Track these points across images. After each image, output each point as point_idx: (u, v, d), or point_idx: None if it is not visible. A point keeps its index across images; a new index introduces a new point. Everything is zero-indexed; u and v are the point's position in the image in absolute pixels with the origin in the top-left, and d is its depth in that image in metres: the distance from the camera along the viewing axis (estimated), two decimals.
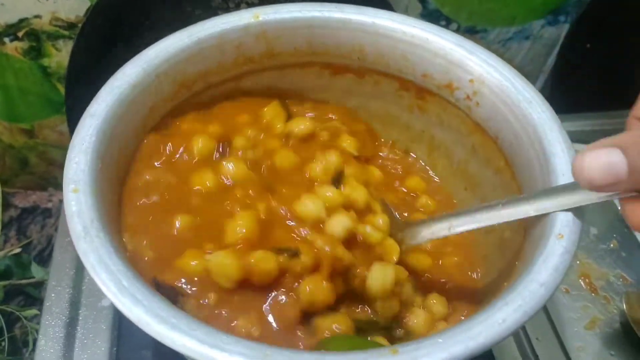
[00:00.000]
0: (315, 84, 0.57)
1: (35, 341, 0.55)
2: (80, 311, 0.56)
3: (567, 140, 0.45)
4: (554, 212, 0.40)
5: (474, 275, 0.51)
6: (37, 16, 0.72)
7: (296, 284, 0.42)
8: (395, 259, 0.46)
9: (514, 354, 0.57)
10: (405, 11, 0.81)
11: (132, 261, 0.39)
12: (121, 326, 0.55)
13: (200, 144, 0.49)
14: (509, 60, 0.70)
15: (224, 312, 0.41)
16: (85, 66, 0.70)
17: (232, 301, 0.41)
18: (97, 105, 0.43)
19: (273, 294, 0.42)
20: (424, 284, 0.48)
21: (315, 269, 0.42)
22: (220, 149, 0.50)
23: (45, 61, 0.77)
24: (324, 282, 0.42)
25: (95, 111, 0.43)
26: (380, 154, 0.59)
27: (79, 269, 0.58)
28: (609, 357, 0.59)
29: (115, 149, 0.43)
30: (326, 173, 0.49)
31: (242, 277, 0.41)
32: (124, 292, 0.34)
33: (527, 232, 0.44)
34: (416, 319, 0.46)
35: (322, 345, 0.41)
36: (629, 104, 0.78)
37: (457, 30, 0.84)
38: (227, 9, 0.68)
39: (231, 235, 0.42)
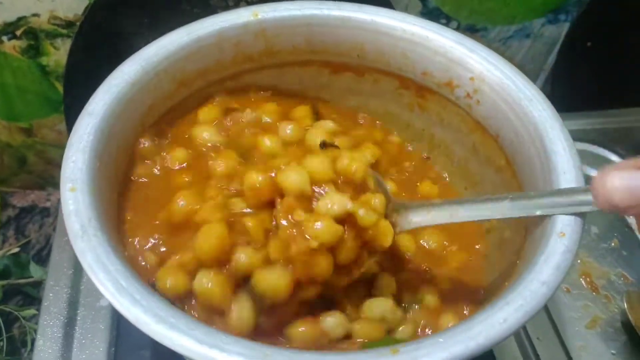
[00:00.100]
0: (315, 82, 0.57)
1: (33, 341, 0.55)
2: (78, 311, 0.56)
3: (569, 138, 0.45)
4: (560, 214, 0.40)
5: (477, 275, 0.50)
6: (35, 15, 0.72)
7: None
8: (388, 242, 0.42)
9: (515, 354, 0.57)
10: (406, 9, 0.81)
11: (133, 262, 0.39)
12: (119, 326, 0.55)
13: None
14: (510, 59, 0.70)
15: None
16: (83, 65, 0.70)
17: None
18: (95, 103, 0.43)
19: None
20: (427, 282, 0.48)
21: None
22: None
23: (44, 60, 0.77)
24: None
25: (93, 110, 0.43)
26: None
27: (77, 268, 0.58)
28: (610, 357, 0.59)
29: (114, 147, 0.43)
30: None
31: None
32: (122, 292, 0.34)
33: (528, 230, 0.44)
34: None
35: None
36: (629, 103, 0.79)
37: (457, 29, 0.83)
38: (226, 7, 0.68)
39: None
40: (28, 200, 0.95)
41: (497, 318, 0.35)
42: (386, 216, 0.44)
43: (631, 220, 0.70)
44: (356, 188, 0.43)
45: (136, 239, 0.43)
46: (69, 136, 0.41)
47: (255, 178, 0.41)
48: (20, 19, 0.72)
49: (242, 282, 0.40)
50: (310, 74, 0.57)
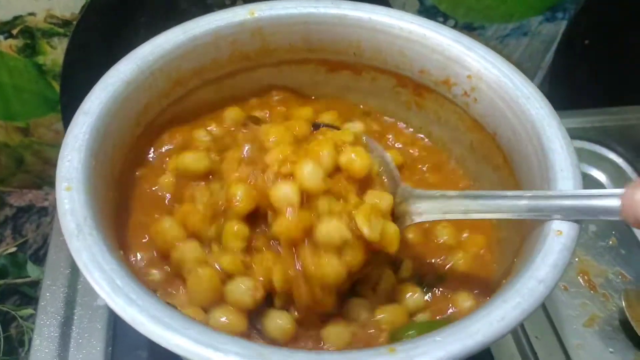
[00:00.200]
0: (312, 80, 0.57)
1: (31, 341, 0.55)
2: (75, 311, 0.55)
3: (566, 136, 0.45)
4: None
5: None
6: (31, 14, 0.72)
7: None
8: (394, 249, 0.41)
9: (513, 352, 0.57)
10: (403, 7, 0.81)
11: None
12: (116, 326, 0.54)
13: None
14: (507, 57, 0.69)
15: None
16: (80, 64, 0.70)
17: None
18: (91, 102, 0.43)
19: None
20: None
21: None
22: None
23: (40, 59, 0.76)
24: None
25: (88, 108, 0.43)
26: None
27: (74, 268, 0.58)
28: (607, 355, 0.59)
29: (109, 146, 0.43)
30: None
31: None
32: (117, 292, 0.34)
33: (526, 228, 0.44)
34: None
35: (394, 336, 0.41)
36: (627, 101, 0.79)
37: (454, 27, 0.83)
38: (222, 6, 0.68)
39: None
40: (25, 200, 0.95)
41: (494, 316, 0.35)
42: (395, 206, 0.43)
43: None
44: (361, 185, 0.43)
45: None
46: None
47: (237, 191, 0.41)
48: (16, 17, 0.72)
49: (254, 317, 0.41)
50: (307, 72, 0.56)
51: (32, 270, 0.87)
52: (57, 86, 0.78)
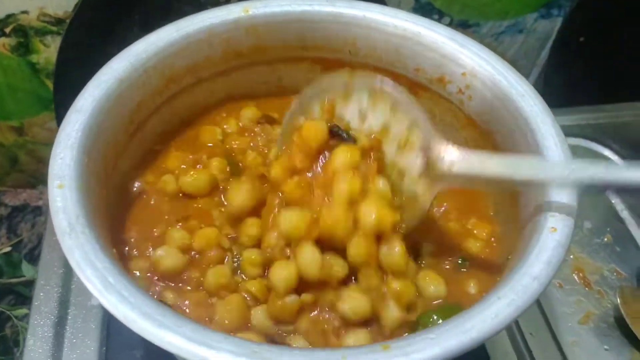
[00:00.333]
0: (307, 78, 0.56)
1: (25, 340, 0.54)
2: (69, 310, 0.55)
3: (560, 133, 0.45)
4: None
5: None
6: (24, 12, 0.71)
7: None
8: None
9: (508, 349, 0.57)
10: (398, 5, 0.81)
11: None
12: (110, 325, 0.54)
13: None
14: (502, 54, 0.70)
15: None
16: (73, 62, 0.70)
17: None
18: (84, 100, 0.43)
19: None
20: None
21: None
22: None
23: (34, 57, 0.76)
24: None
25: (81, 106, 0.42)
26: None
27: (68, 267, 0.57)
28: (602, 352, 0.59)
29: (102, 144, 0.43)
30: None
31: None
32: (109, 289, 0.33)
33: (520, 225, 0.44)
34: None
35: (421, 321, 0.41)
36: (622, 98, 0.79)
37: (449, 24, 0.83)
38: (216, 4, 0.68)
39: None
40: (20, 199, 0.95)
41: (488, 313, 0.35)
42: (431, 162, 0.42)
43: (624, 215, 0.70)
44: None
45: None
46: None
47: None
48: (9, 16, 0.71)
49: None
50: (301, 70, 0.56)
51: (27, 269, 0.86)
52: (50, 85, 0.78)
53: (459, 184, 0.44)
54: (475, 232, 0.49)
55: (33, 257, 0.89)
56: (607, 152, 0.74)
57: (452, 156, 0.42)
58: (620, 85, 0.80)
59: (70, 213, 0.36)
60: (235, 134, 0.52)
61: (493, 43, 0.89)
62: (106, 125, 0.43)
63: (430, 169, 0.42)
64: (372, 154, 0.43)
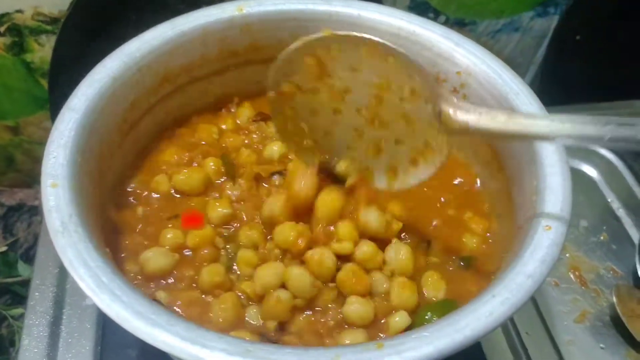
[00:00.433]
0: None
1: (21, 340, 0.54)
2: (64, 310, 0.55)
3: None
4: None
5: None
6: (18, 11, 0.71)
7: None
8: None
9: (503, 348, 0.57)
10: (394, 4, 0.80)
11: None
12: (105, 325, 0.54)
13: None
14: (499, 53, 0.69)
15: None
16: (68, 61, 0.69)
17: None
18: (77, 98, 0.43)
19: None
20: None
21: None
22: None
23: (28, 57, 0.76)
24: None
25: (74, 105, 0.42)
26: None
27: (63, 267, 0.56)
28: (598, 351, 0.59)
29: (96, 143, 0.43)
30: None
31: None
32: (102, 288, 0.33)
33: (515, 224, 0.43)
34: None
35: (416, 321, 0.41)
36: (618, 96, 0.79)
37: (445, 23, 0.83)
38: (211, 2, 0.68)
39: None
40: (16, 199, 0.94)
41: (483, 311, 0.35)
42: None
43: (620, 213, 0.70)
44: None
45: None
46: None
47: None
48: (3, 15, 0.71)
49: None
50: None
51: (22, 269, 0.86)
52: (45, 84, 0.78)
53: (473, 137, 0.47)
54: (472, 226, 0.49)
55: (29, 257, 0.88)
56: (602, 151, 0.74)
57: (466, 114, 0.39)
58: (616, 84, 0.80)
59: (63, 212, 0.36)
60: (230, 132, 0.52)
61: (489, 42, 0.89)
62: (100, 124, 0.43)
63: (443, 122, 0.40)
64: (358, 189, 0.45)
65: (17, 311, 0.82)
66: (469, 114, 0.39)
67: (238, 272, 0.43)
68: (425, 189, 0.49)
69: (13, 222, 0.93)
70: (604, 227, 0.69)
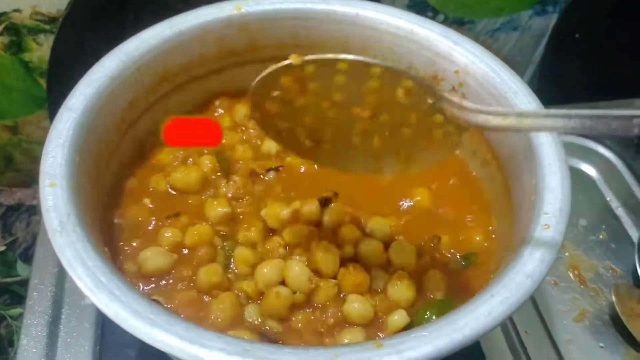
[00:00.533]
0: None
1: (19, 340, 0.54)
2: (63, 310, 0.55)
3: None
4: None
5: None
6: (16, 10, 0.71)
7: None
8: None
9: (502, 347, 0.57)
10: (392, 3, 0.80)
11: None
12: (104, 325, 0.54)
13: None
14: (497, 51, 0.69)
15: None
16: (67, 61, 0.69)
17: None
18: (75, 98, 0.43)
19: None
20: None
21: None
22: None
23: (27, 56, 0.76)
24: None
25: (72, 104, 0.42)
26: None
27: (62, 267, 0.56)
28: (598, 350, 0.58)
29: (94, 142, 0.43)
30: None
31: None
32: (100, 288, 0.33)
33: (514, 223, 0.43)
34: None
35: (415, 320, 0.41)
36: (617, 95, 0.79)
37: (444, 22, 0.83)
38: (210, 1, 0.67)
39: None
40: (15, 199, 0.94)
41: (482, 310, 0.35)
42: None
43: (619, 212, 0.70)
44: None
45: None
46: None
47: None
48: (1, 14, 0.71)
49: None
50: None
51: (21, 269, 0.86)
52: (44, 83, 0.77)
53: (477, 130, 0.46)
54: (472, 226, 0.49)
55: (28, 257, 0.88)
56: (601, 149, 0.74)
57: (468, 113, 0.38)
58: (615, 82, 0.80)
59: (61, 211, 0.36)
60: (227, 130, 0.52)
61: (488, 40, 0.88)
62: (97, 123, 0.43)
63: (446, 121, 0.39)
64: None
65: (15, 311, 0.82)
66: (471, 112, 0.38)
67: (236, 271, 0.43)
68: (424, 195, 0.50)
69: (12, 221, 0.93)
70: (603, 226, 0.69)
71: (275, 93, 0.38)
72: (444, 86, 0.51)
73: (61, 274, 0.57)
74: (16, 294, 0.85)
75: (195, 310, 0.41)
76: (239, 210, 0.47)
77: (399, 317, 0.41)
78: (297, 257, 0.43)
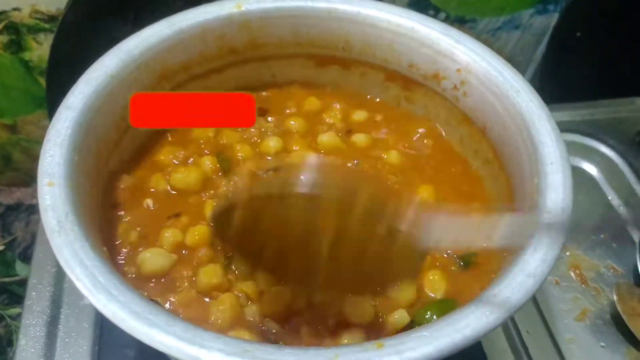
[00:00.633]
0: (301, 75, 0.56)
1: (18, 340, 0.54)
2: (61, 310, 0.55)
3: (556, 129, 0.44)
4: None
5: None
6: (16, 9, 0.71)
7: None
8: None
9: (504, 347, 0.56)
10: (393, 1, 0.80)
11: None
12: (103, 325, 0.54)
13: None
14: (499, 50, 0.69)
15: None
16: (66, 59, 0.69)
17: None
18: (74, 97, 0.42)
19: None
20: None
21: None
22: None
23: (26, 55, 0.75)
24: None
25: (71, 103, 0.42)
26: None
27: (61, 266, 0.57)
28: (599, 349, 0.58)
29: (93, 141, 0.42)
30: None
31: None
32: (98, 288, 0.33)
33: None
34: None
35: (416, 319, 0.41)
36: (618, 93, 0.79)
37: (445, 20, 0.83)
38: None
39: None
40: (14, 198, 0.94)
41: (483, 310, 0.34)
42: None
43: (620, 211, 0.70)
44: None
45: None
46: None
47: None
48: (0, 13, 0.71)
49: None
50: (295, 67, 0.56)
51: (20, 269, 0.86)
52: (43, 83, 0.77)
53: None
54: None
55: (27, 256, 0.88)
56: (603, 148, 0.74)
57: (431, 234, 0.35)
58: (616, 81, 0.80)
59: (59, 211, 0.36)
60: (227, 129, 0.52)
61: (489, 39, 0.88)
62: (97, 122, 0.43)
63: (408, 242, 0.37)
64: None
65: (14, 311, 0.82)
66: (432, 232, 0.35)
67: (236, 272, 0.43)
68: (426, 193, 0.49)
69: (11, 221, 0.93)
70: (605, 226, 0.69)
71: (235, 222, 0.37)
72: (446, 84, 0.51)
73: (60, 274, 0.57)
74: (15, 294, 0.85)
75: (195, 311, 0.40)
76: None
77: (399, 317, 0.41)
78: None
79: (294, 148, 0.51)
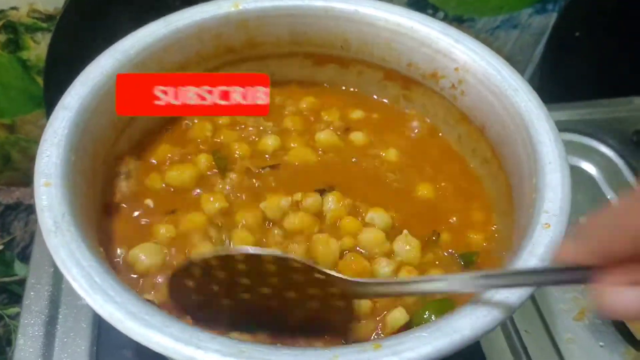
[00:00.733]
0: (298, 74, 0.56)
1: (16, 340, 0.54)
2: (60, 309, 0.54)
3: (554, 128, 0.44)
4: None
5: None
6: (13, 8, 0.70)
7: None
8: None
9: (503, 347, 0.56)
10: (391, 0, 0.80)
11: None
12: (101, 325, 0.53)
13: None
14: (498, 50, 0.69)
15: None
16: (64, 59, 0.69)
17: None
18: (70, 97, 0.42)
19: None
20: None
21: None
22: None
23: (24, 54, 0.75)
24: None
25: (68, 103, 0.42)
26: None
27: None
28: (598, 349, 0.58)
29: (89, 141, 0.42)
30: None
31: None
32: (95, 288, 0.33)
33: (514, 222, 0.43)
34: None
35: (414, 319, 0.41)
36: (617, 93, 0.78)
37: (444, 19, 0.83)
38: None
39: None
40: (13, 198, 0.94)
41: (481, 310, 0.34)
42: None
43: None
44: None
45: None
46: None
47: None
48: None
49: None
50: (293, 66, 0.56)
51: (19, 268, 0.86)
52: (41, 82, 0.77)
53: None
54: (472, 225, 0.48)
55: (26, 256, 0.88)
56: (602, 148, 0.73)
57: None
58: (615, 80, 0.80)
59: (56, 211, 0.36)
60: (225, 127, 0.52)
61: (488, 39, 0.88)
62: (93, 122, 0.43)
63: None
64: None
65: (13, 310, 0.82)
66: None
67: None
68: (425, 191, 0.50)
69: (10, 220, 0.92)
70: None
71: (189, 283, 0.37)
72: (444, 83, 0.51)
73: (58, 274, 0.57)
74: (14, 294, 0.85)
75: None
76: (236, 204, 0.46)
77: (398, 315, 0.41)
78: (297, 245, 0.43)
79: (292, 145, 0.51)
